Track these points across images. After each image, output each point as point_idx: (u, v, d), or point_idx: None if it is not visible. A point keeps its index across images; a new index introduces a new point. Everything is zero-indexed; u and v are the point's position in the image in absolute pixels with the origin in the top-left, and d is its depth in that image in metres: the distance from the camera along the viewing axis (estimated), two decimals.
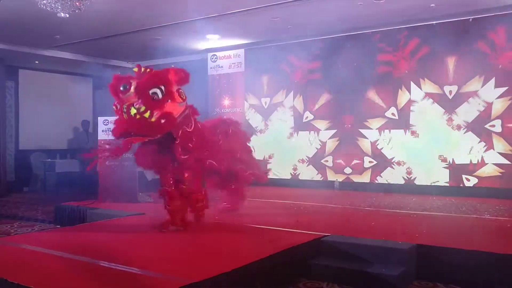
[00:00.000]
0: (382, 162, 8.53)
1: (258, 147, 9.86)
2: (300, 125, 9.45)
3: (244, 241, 4.56)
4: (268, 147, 9.79)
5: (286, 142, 9.58)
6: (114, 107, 4.55)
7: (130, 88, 4.38)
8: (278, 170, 9.68)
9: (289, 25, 8.47)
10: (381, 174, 8.54)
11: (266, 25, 8.46)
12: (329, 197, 7.63)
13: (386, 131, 8.50)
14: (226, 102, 10.44)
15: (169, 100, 4.53)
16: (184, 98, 4.77)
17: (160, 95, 4.46)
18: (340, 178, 8.96)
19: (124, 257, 3.90)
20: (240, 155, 5.89)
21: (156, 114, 4.41)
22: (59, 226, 6.58)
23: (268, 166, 9.77)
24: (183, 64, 11.04)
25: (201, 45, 10.13)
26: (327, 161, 9.13)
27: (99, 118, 7.70)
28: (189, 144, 4.83)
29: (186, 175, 5.00)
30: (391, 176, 8.44)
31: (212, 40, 9.74)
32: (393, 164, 8.42)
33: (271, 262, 3.90)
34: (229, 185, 5.95)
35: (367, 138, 8.70)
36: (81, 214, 6.54)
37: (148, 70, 4.72)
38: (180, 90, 4.74)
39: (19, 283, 3.15)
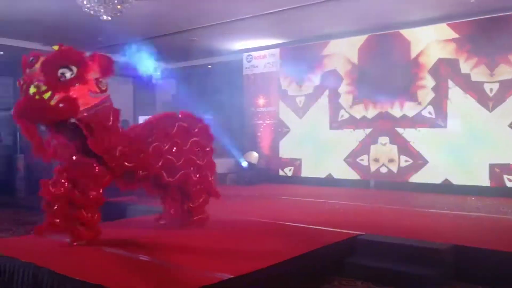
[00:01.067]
0: (419, 161, 8.42)
1: (292, 145, 9.95)
2: (336, 123, 9.43)
3: (278, 239, 4.60)
4: (303, 145, 9.81)
5: (321, 140, 9.57)
6: (17, 84, 3.93)
7: (36, 63, 3.81)
8: (313, 169, 9.69)
9: (325, 24, 8.46)
10: (418, 173, 8.42)
11: (303, 23, 8.48)
12: (364, 196, 7.60)
13: (423, 129, 8.38)
14: (261, 101, 10.53)
15: (78, 84, 3.84)
16: (103, 89, 4.06)
17: (68, 76, 3.81)
18: (376, 177, 8.90)
19: (163, 252, 4.04)
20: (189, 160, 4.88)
21: (58, 97, 3.73)
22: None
23: (302, 165, 9.81)
24: (219, 64, 11.26)
25: (237, 45, 10.25)
26: (362, 159, 9.07)
27: (139, 117, 7.88)
28: (104, 144, 4.07)
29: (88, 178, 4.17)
30: (428, 176, 8.31)
31: (247, 41, 9.84)
32: (430, 164, 8.29)
33: (306, 260, 3.95)
34: (177, 202, 5.10)
35: (403, 137, 8.60)
36: (122, 209, 6.73)
37: (68, 48, 4.06)
38: (100, 80, 4.04)
39: (66, 274, 3.32)
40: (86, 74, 3.91)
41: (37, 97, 3.68)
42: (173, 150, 4.71)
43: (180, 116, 5.07)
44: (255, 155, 10.17)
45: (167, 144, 4.69)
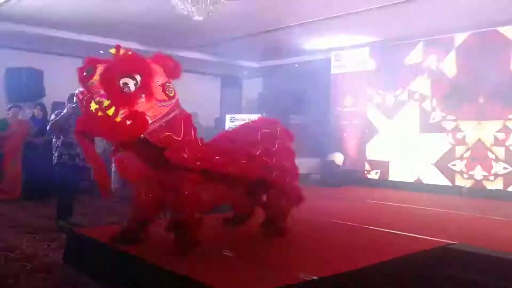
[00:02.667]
0: None
1: (380, 147, 9.67)
2: (427, 126, 9.03)
3: (363, 243, 4.49)
4: (391, 148, 9.50)
5: (410, 143, 9.21)
6: (76, 98, 3.57)
7: (94, 74, 3.33)
8: (401, 173, 9.35)
9: (419, 21, 8.13)
10: None
11: (394, 21, 8.22)
12: (455, 204, 7.20)
13: None
14: (348, 101, 10.35)
15: (143, 95, 3.33)
16: (170, 96, 3.53)
17: (132, 87, 3.30)
18: (469, 183, 8.40)
19: (246, 248, 4.10)
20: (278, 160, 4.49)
21: (123, 112, 3.25)
22: None
23: (390, 168, 9.50)
24: (306, 63, 11.22)
25: (325, 44, 10.15)
26: (454, 165, 8.60)
27: (226, 115, 8.06)
28: (183, 155, 3.58)
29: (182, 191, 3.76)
30: None
31: (336, 39, 9.71)
32: None
33: (391, 266, 3.82)
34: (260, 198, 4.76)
35: (501, 143, 8.03)
36: None
37: (129, 53, 3.56)
38: (167, 85, 3.52)
39: (155, 263, 3.47)
40: (152, 82, 3.39)
41: (100, 114, 3.23)
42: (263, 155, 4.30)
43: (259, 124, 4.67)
44: (340, 156, 10.02)
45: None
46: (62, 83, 10.95)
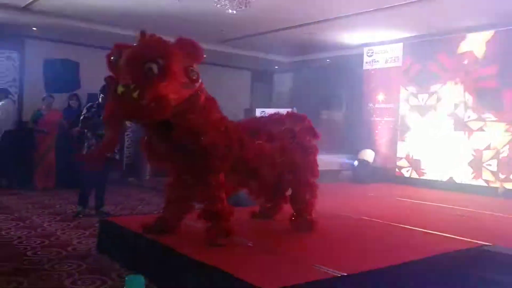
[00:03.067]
0: None
1: (412, 145, 9.52)
2: (461, 124, 8.82)
3: (392, 241, 4.44)
4: (423, 145, 9.33)
5: (443, 141, 9.02)
6: (105, 82, 3.69)
7: (120, 59, 3.50)
8: (433, 171, 9.18)
9: (454, 16, 7.94)
10: None
11: (429, 17, 8.05)
12: (491, 204, 7.01)
13: None
14: (381, 97, 10.20)
15: (167, 79, 3.41)
16: (194, 79, 3.62)
17: (156, 71, 3.39)
18: (507, 184, 8.16)
19: (274, 242, 4.11)
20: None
21: (148, 95, 3.33)
22: None
23: (422, 166, 9.34)
24: (337, 58, 11.12)
25: (357, 39, 10.02)
26: (490, 164, 8.38)
27: (256, 109, 8.07)
28: (202, 138, 3.69)
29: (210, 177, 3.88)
30: None
31: (368, 34, 9.59)
32: None
33: (424, 265, 3.76)
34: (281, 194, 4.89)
35: None
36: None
37: (153, 38, 3.69)
38: (190, 68, 3.60)
39: (187, 254, 3.51)
40: (175, 66, 3.47)
41: (126, 97, 3.34)
42: (277, 150, 4.36)
43: (284, 117, 4.69)
44: (370, 153, 9.90)
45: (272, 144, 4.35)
46: (96, 75, 11.22)
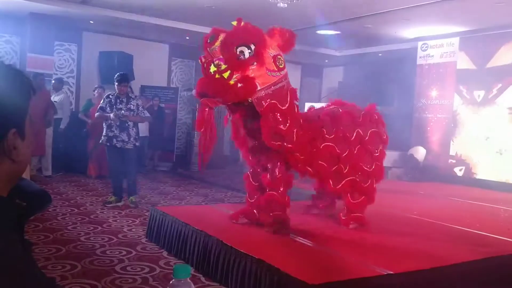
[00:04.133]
0: None
1: (466, 143, 9.19)
2: None
3: (443, 241, 4.30)
4: (478, 144, 8.99)
5: (499, 140, 8.65)
6: (199, 61, 3.91)
7: (216, 41, 3.75)
8: (487, 171, 8.83)
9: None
10: None
11: (488, 10, 7.72)
12: None
13: None
14: (434, 93, 9.88)
15: (256, 64, 3.71)
16: (281, 67, 3.88)
17: (247, 55, 3.68)
18: None
19: (322, 238, 4.09)
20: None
21: (236, 76, 3.65)
22: None
23: (476, 165, 9.00)
24: (390, 52, 10.87)
25: (411, 33, 9.75)
26: None
27: (306, 103, 8.03)
28: (280, 126, 3.85)
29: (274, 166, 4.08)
30: None
31: (423, 28, 9.31)
32: None
33: (475, 267, 3.64)
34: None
35: None
36: None
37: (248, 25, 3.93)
38: (278, 57, 3.87)
39: (232, 245, 3.57)
40: (264, 52, 3.75)
41: (217, 76, 3.63)
42: (347, 155, 4.37)
43: (361, 119, 4.57)
44: (422, 150, 9.63)
45: (342, 148, 4.35)
46: (149, 67, 11.57)
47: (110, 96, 6.26)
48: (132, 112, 6.18)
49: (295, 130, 3.94)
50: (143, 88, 11.12)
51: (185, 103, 12.02)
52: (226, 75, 3.61)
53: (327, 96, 13.01)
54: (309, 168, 4.20)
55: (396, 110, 11.25)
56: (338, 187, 4.44)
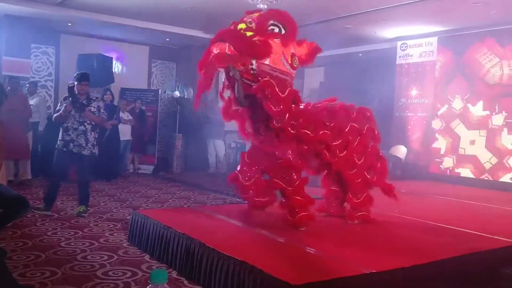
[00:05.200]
0: None
1: (446, 141, 9.30)
2: (495, 122, 8.56)
3: (425, 239, 4.36)
4: (457, 142, 9.11)
5: (477, 138, 8.78)
6: (231, 25, 4.27)
7: (255, 13, 4.22)
8: (467, 168, 8.95)
9: (493, 10, 7.70)
10: None
11: (465, 10, 7.83)
12: None
13: None
14: (414, 92, 10.00)
15: (279, 40, 4.09)
16: (294, 65, 4.23)
17: (276, 31, 4.12)
18: None
19: (308, 238, 4.09)
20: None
21: (258, 39, 4.03)
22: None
23: (456, 163, 9.12)
24: (370, 52, 10.94)
25: (391, 33, 9.85)
26: None
27: None
28: (272, 107, 4.06)
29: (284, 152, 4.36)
30: None
31: (402, 28, 9.41)
32: None
33: (455, 264, 3.68)
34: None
35: None
36: None
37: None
38: (295, 57, 4.25)
39: (215, 248, 3.54)
40: (289, 41, 4.10)
41: (242, 31, 4.01)
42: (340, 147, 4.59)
43: (354, 115, 4.79)
44: (403, 149, 9.73)
45: (338, 140, 4.56)
46: (129, 70, 11.47)
47: (69, 98, 5.80)
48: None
49: (300, 119, 4.17)
50: (123, 91, 11.02)
51: (166, 105, 11.93)
52: (249, 33, 3.97)
53: (309, 96, 13.04)
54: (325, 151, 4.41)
55: (377, 109, 11.30)
56: (351, 173, 4.66)
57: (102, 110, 5.93)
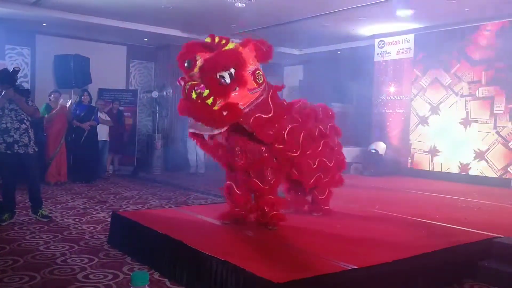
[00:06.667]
0: None
1: (425, 137, 9.44)
2: (474, 116, 8.71)
3: (406, 234, 4.40)
4: (436, 137, 9.25)
5: (456, 133, 8.93)
6: (178, 84, 3.93)
7: (194, 67, 3.76)
8: (446, 163, 9.10)
9: (466, 7, 7.83)
10: None
11: (440, 8, 7.95)
12: (504, 196, 6.93)
13: None
14: (392, 89, 10.11)
15: (238, 88, 3.74)
16: (260, 82, 3.90)
17: (228, 80, 3.68)
18: None
19: (287, 235, 4.10)
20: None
21: (220, 102, 3.67)
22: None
23: (434, 158, 9.26)
24: (348, 50, 11.03)
25: (368, 31, 9.93)
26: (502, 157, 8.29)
27: None
28: (270, 132, 4.02)
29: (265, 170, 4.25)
30: None
31: (379, 26, 9.50)
32: None
33: (435, 258, 3.73)
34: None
35: None
36: None
37: (223, 42, 3.89)
38: (257, 72, 3.87)
39: (196, 248, 3.53)
40: (244, 73, 3.75)
41: (199, 101, 3.64)
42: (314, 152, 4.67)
43: (320, 116, 4.86)
44: (382, 145, 9.83)
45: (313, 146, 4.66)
46: (107, 70, 11.33)
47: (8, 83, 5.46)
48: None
49: (284, 132, 4.14)
50: (101, 91, 10.88)
51: (144, 105, 11.83)
52: (209, 101, 3.62)
53: (288, 95, 13.08)
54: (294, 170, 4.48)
55: (356, 107, 11.44)
56: (311, 182, 4.72)
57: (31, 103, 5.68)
